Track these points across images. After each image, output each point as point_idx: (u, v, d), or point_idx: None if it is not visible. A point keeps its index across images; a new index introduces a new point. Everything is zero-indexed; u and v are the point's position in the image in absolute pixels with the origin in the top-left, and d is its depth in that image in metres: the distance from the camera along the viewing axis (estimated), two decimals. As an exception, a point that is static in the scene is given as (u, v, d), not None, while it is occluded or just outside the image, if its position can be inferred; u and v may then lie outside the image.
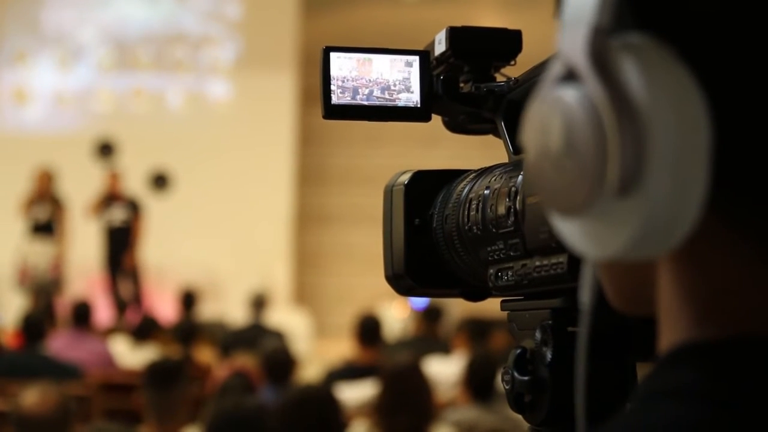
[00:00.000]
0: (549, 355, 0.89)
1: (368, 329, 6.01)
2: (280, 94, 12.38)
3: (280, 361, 5.40)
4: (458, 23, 1.06)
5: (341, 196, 12.88)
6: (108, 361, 6.77)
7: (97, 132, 12.25)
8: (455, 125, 1.11)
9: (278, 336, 7.75)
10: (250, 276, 11.19)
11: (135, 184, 11.46)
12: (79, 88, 12.60)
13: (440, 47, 1.05)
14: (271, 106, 12.33)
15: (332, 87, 1.04)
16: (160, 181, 12.12)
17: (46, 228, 10.60)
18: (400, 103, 1.05)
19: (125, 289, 11.12)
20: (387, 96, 1.05)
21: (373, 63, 1.05)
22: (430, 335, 7.07)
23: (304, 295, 12.67)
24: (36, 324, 6.26)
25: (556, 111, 0.54)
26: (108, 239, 10.98)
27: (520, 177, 0.91)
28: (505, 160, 1.01)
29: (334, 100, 1.04)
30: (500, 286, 0.96)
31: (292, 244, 12.57)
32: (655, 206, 0.52)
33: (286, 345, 6.42)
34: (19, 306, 9.65)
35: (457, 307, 9.10)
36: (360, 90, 1.04)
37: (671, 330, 0.57)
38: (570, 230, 0.56)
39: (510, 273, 0.94)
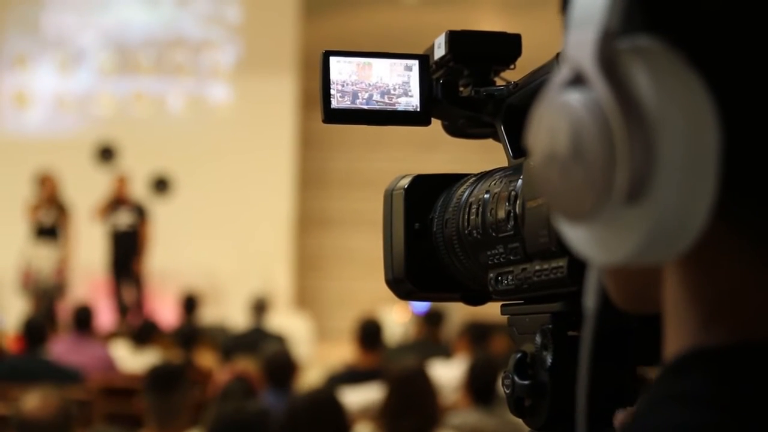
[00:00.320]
0: (549, 360, 0.88)
1: (369, 333, 6.01)
2: (280, 98, 12.38)
3: (281, 365, 5.39)
4: (458, 27, 1.06)
5: (342, 200, 12.88)
6: (109, 365, 6.77)
7: (97, 136, 12.25)
8: (455, 129, 1.11)
9: (279, 340, 7.75)
10: (251, 280, 11.19)
11: (136, 188, 11.46)
12: (79, 91, 12.61)
13: (440, 51, 1.05)
14: (271, 110, 12.33)
15: (332, 91, 1.04)
16: (160, 185, 12.12)
17: (50, 232, 10.60)
18: (400, 107, 1.05)
19: (128, 293, 11.13)
20: (386, 100, 1.05)
21: (372, 67, 1.05)
22: (431, 339, 7.07)
23: (305, 299, 12.66)
24: (37, 328, 6.26)
25: (564, 116, 0.54)
26: (113, 243, 10.99)
27: (520, 181, 0.91)
28: (505, 164, 1.01)
29: (334, 104, 1.04)
30: (500, 290, 0.96)
31: (293, 247, 12.57)
32: (664, 213, 0.51)
33: (287, 349, 6.42)
34: (21, 310, 9.64)
35: (458, 312, 9.10)
36: (360, 94, 1.04)
37: (677, 334, 0.57)
38: (576, 236, 0.55)
39: (510, 277, 0.94)
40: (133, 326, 8.94)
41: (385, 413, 3.98)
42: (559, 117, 0.54)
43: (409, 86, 1.06)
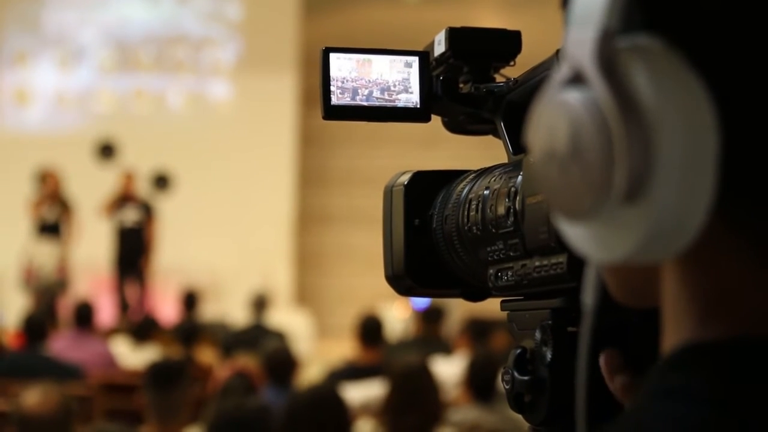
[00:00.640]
0: (549, 355, 0.89)
1: (369, 330, 6.01)
2: (280, 95, 12.38)
3: (281, 361, 5.40)
4: (458, 24, 1.06)
5: (342, 197, 12.88)
6: (109, 361, 6.77)
7: (98, 133, 12.26)
8: (455, 126, 1.11)
9: (279, 336, 7.75)
10: (252, 276, 11.19)
11: (136, 185, 11.46)
12: (80, 88, 12.61)
13: (440, 48, 1.05)
14: (271, 107, 12.33)
15: (332, 88, 1.04)
16: (161, 182, 12.11)
17: (53, 229, 10.60)
18: (400, 104, 1.06)
19: (132, 290, 11.13)
20: (386, 97, 1.05)
21: (372, 64, 1.05)
22: (431, 336, 7.06)
23: (305, 295, 12.67)
24: (38, 324, 6.26)
25: (563, 114, 0.54)
26: (119, 240, 10.99)
27: (520, 177, 0.91)
28: (505, 160, 1.01)
29: (334, 100, 1.04)
30: (500, 287, 0.96)
31: (293, 244, 12.57)
32: (662, 212, 0.51)
33: (288, 345, 6.42)
34: (22, 306, 9.65)
35: (458, 308, 9.10)
36: (360, 91, 1.05)
37: (675, 330, 0.57)
38: (575, 233, 0.56)
39: (510, 273, 0.94)
40: (134, 323, 8.95)
41: (388, 410, 3.98)
42: (559, 115, 0.54)
43: (409, 83, 1.06)
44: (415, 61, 1.06)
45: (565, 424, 0.88)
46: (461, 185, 1.03)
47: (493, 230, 0.95)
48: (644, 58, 0.52)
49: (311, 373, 7.20)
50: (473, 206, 0.99)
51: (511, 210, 0.92)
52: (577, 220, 0.55)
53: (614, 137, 0.51)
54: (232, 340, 7.63)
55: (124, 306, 10.98)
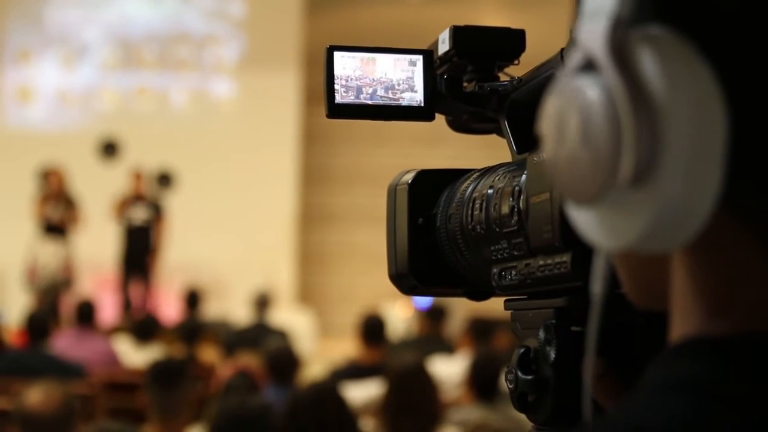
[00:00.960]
0: (552, 355, 0.88)
1: (372, 329, 6.01)
2: (284, 94, 12.38)
3: (283, 360, 5.40)
4: (462, 22, 1.06)
5: (345, 196, 12.88)
6: (112, 360, 6.78)
7: (100, 131, 12.27)
8: (459, 124, 1.11)
9: (282, 335, 7.75)
10: (254, 275, 11.20)
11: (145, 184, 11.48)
12: (83, 86, 12.62)
13: (444, 46, 1.05)
14: (275, 106, 12.33)
15: (336, 86, 1.04)
16: (163, 180, 12.12)
17: (58, 228, 10.60)
18: (404, 103, 1.06)
19: (137, 288, 11.14)
20: (391, 95, 1.05)
21: (376, 62, 1.05)
22: (433, 335, 7.06)
23: (307, 294, 12.67)
24: (40, 323, 6.27)
25: (574, 100, 0.55)
26: (126, 238, 10.99)
27: (524, 176, 0.91)
28: (509, 159, 1.01)
29: (338, 99, 1.04)
30: (504, 286, 0.96)
31: (296, 243, 12.58)
32: (668, 199, 0.52)
33: (290, 344, 6.42)
34: (25, 305, 9.66)
35: (461, 307, 9.10)
36: (364, 89, 1.05)
37: (682, 323, 0.57)
38: (584, 219, 0.56)
39: (513, 272, 0.94)
40: (136, 321, 8.96)
41: (386, 411, 3.97)
42: (570, 101, 0.55)
43: (413, 81, 1.06)
44: (419, 59, 1.06)
45: (569, 424, 0.88)
46: (465, 184, 1.03)
47: (497, 229, 0.95)
48: (655, 47, 0.53)
49: (313, 372, 7.20)
50: (477, 205, 0.99)
51: (515, 209, 0.92)
52: (585, 204, 0.55)
53: (623, 122, 0.52)
54: (234, 339, 7.64)
55: (127, 304, 10.98)
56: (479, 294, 1.06)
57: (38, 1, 12.67)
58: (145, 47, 12.70)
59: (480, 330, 6.42)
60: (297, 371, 5.46)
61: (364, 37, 11.87)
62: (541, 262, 0.89)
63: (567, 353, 0.88)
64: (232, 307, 10.88)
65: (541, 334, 0.90)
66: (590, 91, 0.54)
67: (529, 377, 0.91)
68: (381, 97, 1.05)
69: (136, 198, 10.97)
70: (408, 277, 1.07)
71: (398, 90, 1.05)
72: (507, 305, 0.98)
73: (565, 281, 0.86)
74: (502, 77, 1.06)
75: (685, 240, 0.53)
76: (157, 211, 11.07)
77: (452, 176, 1.07)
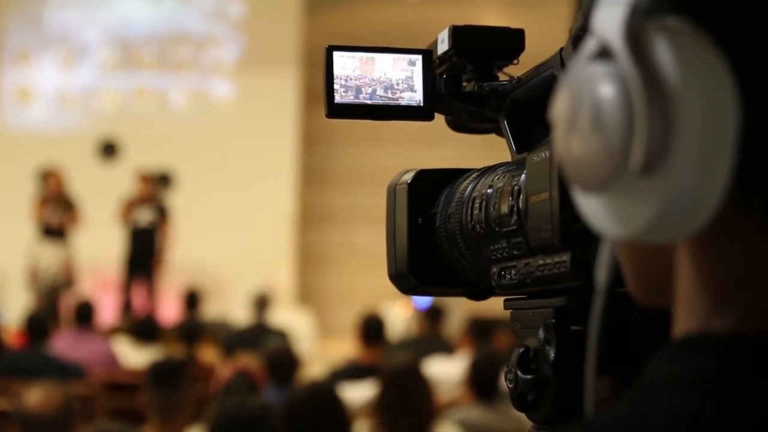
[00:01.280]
0: (552, 354, 0.89)
1: (371, 329, 6.01)
2: (283, 94, 12.38)
3: (283, 360, 5.40)
4: (461, 22, 1.06)
5: (344, 196, 12.88)
6: (111, 360, 6.77)
7: (100, 131, 12.27)
8: (458, 124, 1.11)
9: (281, 336, 7.75)
10: (254, 276, 11.19)
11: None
12: (82, 87, 12.61)
13: (443, 46, 1.05)
14: (274, 106, 12.33)
15: (335, 86, 1.04)
16: (163, 181, 12.12)
17: (57, 231, 10.58)
18: (403, 102, 1.06)
19: (139, 290, 11.12)
20: (390, 95, 1.05)
21: (376, 62, 1.05)
22: (433, 335, 7.06)
23: (307, 294, 12.67)
24: (39, 323, 6.26)
25: (587, 87, 0.55)
26: (131, 240, 10.98)
27: (523, 176, 0.92)
28: (508, 159, 1.01)
29: (338, 99, 1.04)
30: (503, 285, 0.96)
31: (296, 243, 12.57)
32: (678, 188, 0.52)
33: (290, 345, 6.42)
34: (25, 305, 9.65)
35: (460, 307, 9.10)
36: (363, 89, 1.05)
37: (686, 317, 0.57)
38: (592, 207, 0.56)
39: (513, 272, 0.94)
40: (136, 322, 8.95)
41: (380, 411, 3.97)
42: (583, 87, 0.56)
43: (413, 81, 1.06)
44: (418, 59, 1.06)
45: (569, 423, 0.88)
46: (464, 184, 1.03)
47: (497, 229, 0.95)
48: (671, 37, 0.53)
49: (313, 372, 7.20)
50: (477, 205, 0.99)
51: (515, 208, 0.92)
52: (594, 191, 0.55)
53: (636, 109, 0.52)
54: (233, 340, 7.63)
55: (127, 305, 10.98)
56: (479, 293, 1.06)
57: (38, 1, 12.66)
58: (144, 48, 12.69)
59: (480, 330, 6.42)
60: (296, 371, 5.46)
61: (363, 37, 11.87)
62: (540, 262, 0.89)
63: (567, 352, 0.88)
64: (231, 308, 10.87)
65: (541, 334, 0.90)
66: (604, 78, 0.54)
67: (529, 376, 0.91)
68: (380, 96, 1.05)
69: (142, 200, 10.95)
70: (408, 276, 1.07)
71: (398, 90, 1.05)
72: (506, 305, 0.98)
73: (564, 281, 0.86)
74: (502, 77, 1.06)
75: (693, 230, 0.53)
76: (162, 214, 11.06)
77: (452, 176, 1.07)
